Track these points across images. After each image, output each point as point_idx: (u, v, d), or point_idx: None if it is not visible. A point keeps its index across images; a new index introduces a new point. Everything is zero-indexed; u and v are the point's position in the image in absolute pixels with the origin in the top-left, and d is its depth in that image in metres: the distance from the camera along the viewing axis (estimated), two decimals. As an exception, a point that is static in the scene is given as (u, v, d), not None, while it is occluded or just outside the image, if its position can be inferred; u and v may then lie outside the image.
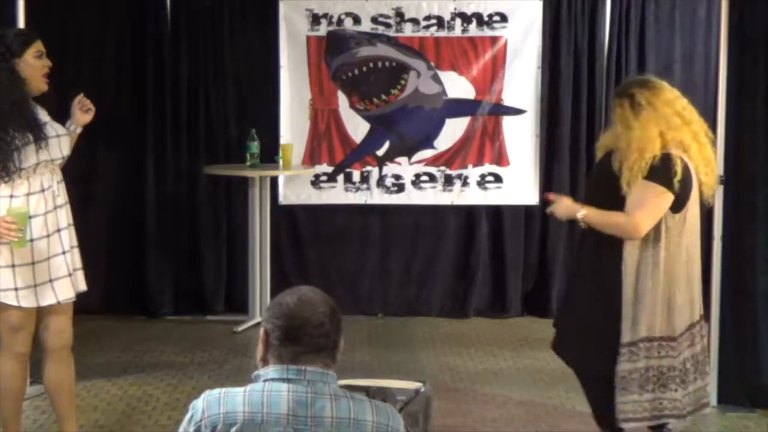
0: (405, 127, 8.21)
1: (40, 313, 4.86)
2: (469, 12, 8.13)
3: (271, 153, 7.86)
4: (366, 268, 8.34)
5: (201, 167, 7.98)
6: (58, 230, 4.82)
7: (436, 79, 8.14)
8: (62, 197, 4.86)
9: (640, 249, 4.53)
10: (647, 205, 4.47)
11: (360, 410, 2.67)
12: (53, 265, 4.79)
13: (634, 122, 4.55)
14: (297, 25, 8.11)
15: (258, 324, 7.67)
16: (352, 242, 8.32)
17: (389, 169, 8.23)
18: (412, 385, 5.00)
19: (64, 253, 4.84)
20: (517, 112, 8.16)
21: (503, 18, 8.11)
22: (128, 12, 8.10)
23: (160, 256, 8.14)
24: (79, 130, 5.07)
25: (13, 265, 4.70)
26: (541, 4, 8.09)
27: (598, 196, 4.64)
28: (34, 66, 4.81)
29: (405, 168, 8.22)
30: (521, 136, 8.16)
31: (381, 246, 8.32)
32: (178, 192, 8.15)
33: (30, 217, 4.70)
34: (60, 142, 4.85)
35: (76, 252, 4.96)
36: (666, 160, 4.50)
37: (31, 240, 4.71)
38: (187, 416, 2.69)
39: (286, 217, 8.28)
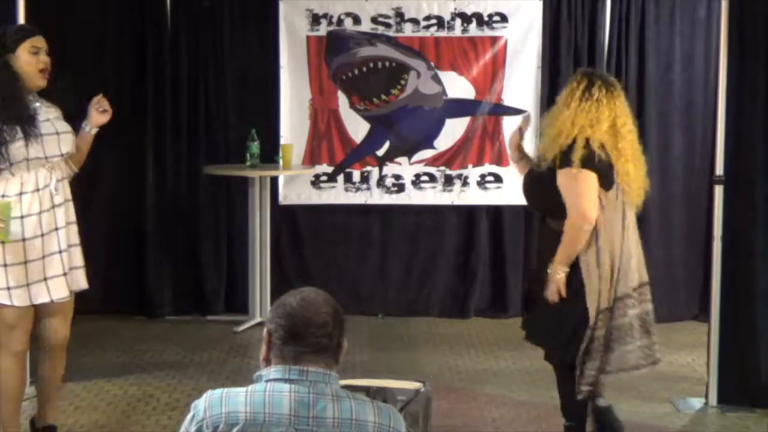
0: (405, 127, 8.21)
1: (37, 312, 4.88)
2: (469, 12, 8.13)
3: (271, 153, 7.87)
4: (366, 268, 8.35)
5: (201, 167, 7.99)
6: (56, 229, 4.82)
7: (436, 79, 8.15)
8: (61, 196, 4.85)
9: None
10: (579, 192, 4.68)
11: (362, 411, 2.67)
12: (48, 264, 4.80)
13: (573, 105, 4.78)
14: (297, 25, 8.12)
15: (258, 324, 7.71)
16: (353, 242, 8.33)
17: (389, 169, 8.23)
18: (412, 385, 5.01)
19: (60, 252, 4.83)
20: (517, 112, 8.13)
21: (503, 18, 8.11)
22: (128, 12, 8.10)
23: (160, 256, 8.15)
24: (94, 131, 5.10)
25: (5, 265, 4.71)
26: (541, 4, 8.10)
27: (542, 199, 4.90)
28: (28, 62, 4.81)
29: (405, 168, 8.22)
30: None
31: (381, 246, 8.33)
32: (178, 192, 8.15)
33: (22, 217, 4.71)
34: (60, 139, 4.84)
35: (76, 250, 4.97)
36: (573, 145, 4.71)
37: (24, 239, 4.72)
38: (189, 416, 2.69)
39: (287, 217, 8.28)
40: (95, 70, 8.07)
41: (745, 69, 5.94)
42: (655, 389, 6.40)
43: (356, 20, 8.13)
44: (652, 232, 8.11)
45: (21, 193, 4.72)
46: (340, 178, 8.23)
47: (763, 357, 6.00)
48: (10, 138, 4.66)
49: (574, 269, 4.76)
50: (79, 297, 7.69)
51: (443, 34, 8.14)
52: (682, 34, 8.12)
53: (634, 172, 4.85)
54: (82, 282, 5.01)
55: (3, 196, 4.69)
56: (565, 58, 8.15)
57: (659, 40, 8.11)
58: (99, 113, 5.08)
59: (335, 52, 8.14)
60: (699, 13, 8.11)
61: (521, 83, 8.13)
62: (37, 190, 4.76)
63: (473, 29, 8.13)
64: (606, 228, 4.74)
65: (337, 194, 8.23)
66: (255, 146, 7.70)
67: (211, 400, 2.67)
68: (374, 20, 8.13)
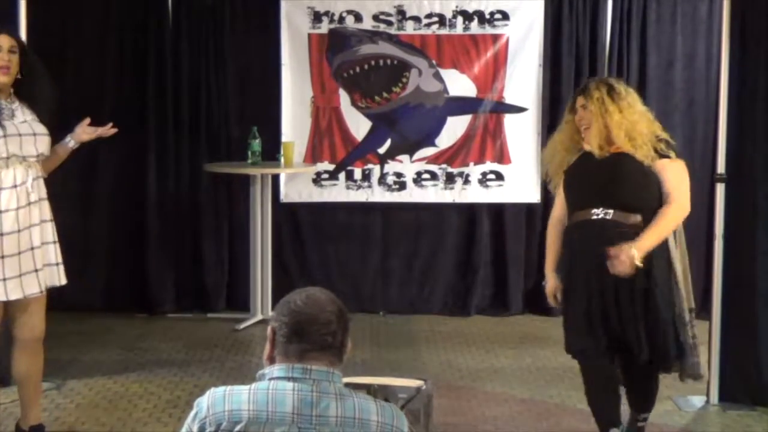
0: (406, 125, 8.21)
1: (10, 307, 4.94)
2: (470, 10, 8.13)
3: (272, 151, 7.87)
4: (367, 266, 8.35)
5: (203, 165, 7.99)
6: (30, 226, 4.88)
7: (438, 77, 8.15)
8: (37, 193, 4.92)
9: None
10: (687, 181, 4.82)
11: (365, 410, 2.68)
12: (23, 260, 4.86)
13: (618, 106, 4.82)
14: (298, 22, 8.12)
15: (259, 322, 7.73)
16: (354, 240, 8.33)
17: (391, 167, 8.23)
18: (413, 382, 5.02)
19: (32, 248, 4.90)
20: (519, 110, 8.17)
21: (505, 16, 8.12)
22: (130, 10, 8.10)
23: (162, 253, 8.15)
24: (75, 146, 5.19)
25: None
26: (542, 2, 8.10)
27: (641, 195, 4.78)
28: None
29: (406, 166, 8.22)
30: (523, 134, 8.17)
31: (382, 244, 8.33)
32: (179, 190, 8.16)
33: (0, 212, 4.75)
34: (36, 140, 4.91)
35: (52, 247, 5.03)
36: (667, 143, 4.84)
37: (2, 234, 4.77)
38: (192, 413, 2.70)
39: (288, 215, 8.29)
40: (97, 68, 8.08)
41: (746, 67, 5.94)
42: (656, 387, 6.40)
43: (358, 18, 8.13)
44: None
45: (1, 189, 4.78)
46: (342, 175, 8.23)
47: (764, 355, 6.00)
48: None
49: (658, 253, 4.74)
50: (81, 294, 7.75)
51: (445, 32, 8.14)
52: (684, 33, 8.12)
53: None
54: (56, 278, 5.07)
55: None
56: (567, 57, 8.15)
57: (660, 39, 8.12)
58: (85, 132, 5.18)
59: (337, 49, 8.14)
60: (700, 12, 8.11)
61: (523, 81, 8.13)
62: (15, 186, 4.82)
63: (475, 27, 8.13)
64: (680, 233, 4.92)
65: (338, 192, 8.24)
66: (256, 144, 7.71)
67: (215, 398, 2.67)
68: (376, 18, 8.14)
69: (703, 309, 7.74)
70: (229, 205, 8.24)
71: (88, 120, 5.24)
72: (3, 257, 4.80)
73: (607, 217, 4.75)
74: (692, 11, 8.11)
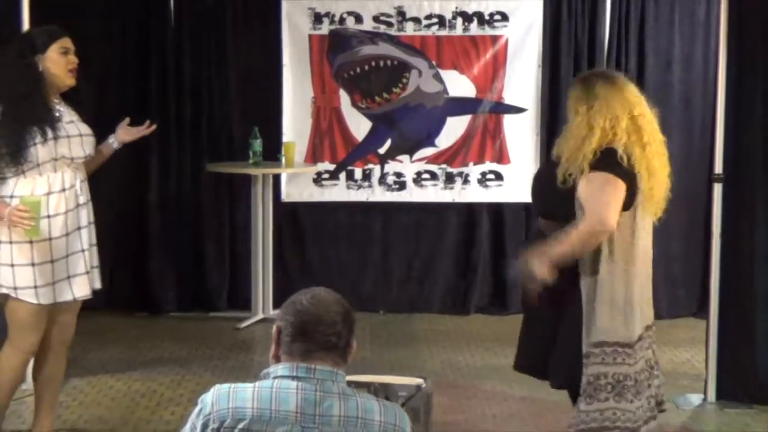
0: (406, 126, 8.21)
1: (52, 311, 4.89)
2: (470, 11, 8.13)
3: (273, 151, 7.87)
4: (368, 265, 8.35)
5: (204, 165, 7.99)
6: (79, 228, 4.87)
7: (438, 78, 8.14)
8: (84, 196, 4.92)
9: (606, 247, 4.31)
10: (605, 196, 4.24)
11: (368, 410, 2.67)
12: (71, 263, 4.84)
13: (582, 109, 4.36)
14: (299, 23, 8.12)
15: (261, 321, 7.73)
16: (354, 239, 8.33)
17: (391, 167, 8.23)
18: (413, 381, 5.01)
19: (83, 250, 4.89)
20: (518, 110, 8.16)
21: (504, 17, 8.11)
22: (132, 11, 8.10)
23: (164, 253, 8.14)
24: (117, 146, 5.18)
25: (32, 264, 4.73)
26: (541, 3, 8.10)
27: (560, 204, 4.37)
28: (57, 62, 4.84)
29: (406, 166, 8.22)
30: (522, 134, 8.17)
31: (383, 243, 8.33)
32: (181, 190, 8.16)
33: (50, 216, 4.73)
34: (83, 141, 4.89)
35: (95, 250, 5.03)
36: (612, 151, 4.28)
37: (50, 238, 4.76)
38: (196, 409, 2.69)
39: (289, 215, 8.28)
40: (99, 68, 8.05)
41: (743, 68, 5.95)
42: (654, 386, 6.40)
43: (358, 19, 8.13)
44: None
45: (49, 193, 4.75)
46: (342, 175, 8.23)
47: (761, 354, 6.00)
48: (38, 139, 4.68)
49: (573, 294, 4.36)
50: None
51: (444, 33, 8.14)
52: (682, 34, 8.12)
53: (660, 172, 4.46)
54: (97, 282, 5.06)
55: (31, 195, 4.70)
56: (566, 57, 8.15)
57: (659, 40, 8.11)
58: (126, 133, 5.19)
59: (337, 50, 8.14)
60: (698, 13, 8.11)
61: (522, 82, 8.13)
62: (64, 190, 4.80)
63: (474, 28, 8.13)
64: (619, 252, 4.34)
65: (339, 192, 8.23)
66: (258, 144, 7.70)
67: (219, 395, 2.67)
68: (376, 19, 8.13)
69: (701, 308, 7.79)
70: (230, 204, 8.23)
71: (127, 120, 5.23)
72: (53, 261, 4.78)
73: (540, 226, 4.58)
74: (690, 13, 8.11)
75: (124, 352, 7.09)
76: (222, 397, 2.67)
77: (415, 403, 4.84)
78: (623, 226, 4.32)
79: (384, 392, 4.83)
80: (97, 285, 5.05)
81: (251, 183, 7.86)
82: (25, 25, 6.09)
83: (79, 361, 6.81)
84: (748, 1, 5.93)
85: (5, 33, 5.03)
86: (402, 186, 8.23)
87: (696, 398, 6.13)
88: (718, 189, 6.02)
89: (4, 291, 4.76)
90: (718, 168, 6.02)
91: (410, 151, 8.23)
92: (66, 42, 4.92)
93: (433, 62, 8.15)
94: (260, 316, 7.81)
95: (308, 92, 8.16)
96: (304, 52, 8.13)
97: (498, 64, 8.13)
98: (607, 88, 4.39)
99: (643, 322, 4.45)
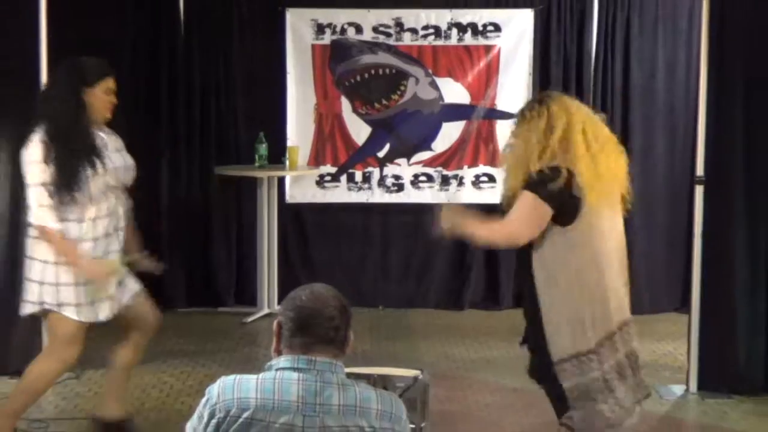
0: (404, 130, 8.22)
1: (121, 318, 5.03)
2: (464, 22, 8.15)
3: (278, 155, 7.88)
4: (367, 263, 8.36)
5: (213, 168, 8.00)
6: (114, 251, 4.94)
7: (434, 85, 8.16)
8: (123, 221, 4.99)
9: (543, 269, 4.25)
10: (522, 213, 4.20)
11: (366, 398, 2.68)
12: (108, 284, 4.90)
13: (522, 132, 4.28)
14: (303, 34, 8.13)
15: (266, 315, 7.74)
16: (355, 239, 8.34)
17: (389, 169, 8.25)
18: (410, 372, 5.01)
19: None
20: (510, 116, 8.07)
21: (497, 28, 8.13)
22: (144, 22, 8.10)
23: (174, 252, 8.14)
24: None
25: (76, 283, 4.77)
26: (532, 15, 8.11)
27: None
28: (102, 99, 4.90)
29: (404, 169, 8.23)
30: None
31: (382, 242, 8.34)
32: (191, 192, 8.17)
33: (96, 239, 4.79)
34: (127, 171, 4.98)
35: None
36: (545, 172, 4.16)
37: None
38: (204, 399, 2.71)
39: (293, 215, 8.30)
40: (113, 78, 8.07)
41: (723, 76, 5.96)
42: (639, 377, 6.41)
43: (358, 29, 8.14)
44: (636, 229, 8.12)
45: (95, 218, 4.80)
46: (343, 178, 8.24)
47: (740, 347, 6.01)
48: (89, 171, 4.72)
49: (528, 284, 4.33)
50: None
51: (440, 42, 8.15)
52: (665, 44, 8.14)
53: (618, 170, 4.29)
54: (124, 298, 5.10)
55: (79, 220, 4.75)
56: (555, 66, 8.16)
57: (643, 49, 8.13)
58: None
59: (339, 59, 8.15)
60: (681, 24, 8.12)
61: (514, 89, 8.14)
62: (109, 215, 4.87)
63: (468, 38, 8.14)
64: (566, 274, 4.22)
65: (340, 193, 8.25)
66: (263, 148, 7.73)
67: (224, 386, 2.68)
68: (375, 29, 8.15)
69: (683, 303, 7.81)
70: (237, 205, 8.25)
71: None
72: (95, 281, 4.82)
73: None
74: (673, 24, 8.12)
75: (136, 345, 7.09)
76: (227, 388, 2.68)
77: (412, 394, 4.85)
78: (561, 244, 4.21)
79: (383, 383, 4.84)
80: (125, 301, 5.07)
81: (257, 185, 7.87)
82: (43, 38, 6.08)
83: (95, 355, 6.81)
84: (728, 12, 5.95)
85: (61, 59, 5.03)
86: (400, 188, 8.25)
87: (678, 389, 6.15)
88: (699, 191, 6.04)
89: (47, 307, 4.80)
90: (700, 171, 6.04)
91: (408, 155, 8.25)
92: (111, 83, 5.00)
93: (430, 70, 8.16)
94: (266, 311, 7.82)
95: (311, 99, 8.17)
96: (308, 60, 8.15)
97: (491, 72, 8.15)
98: (536, 107, 4.29)
99: (604, 326, 4.26)
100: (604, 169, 4.21)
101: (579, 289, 4.21)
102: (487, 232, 4.43)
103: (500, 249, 4.51)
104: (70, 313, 4.79)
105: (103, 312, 4.89)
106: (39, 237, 4.76)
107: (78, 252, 4.72)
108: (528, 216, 4.21)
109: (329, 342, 2.71)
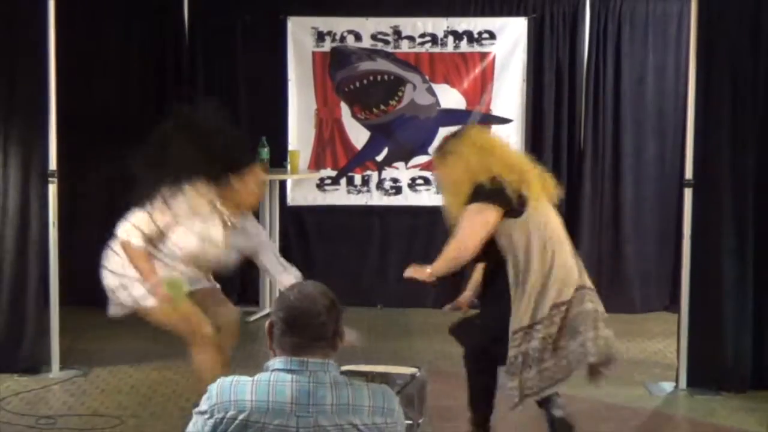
0: (402, 135, 8.21)
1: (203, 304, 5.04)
2: (460, 30, 8.13)
3: (280, 159, 7.86)
4: (367, 264, 8.34)
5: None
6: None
7: (431, 91, 8.14)
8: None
9: (510, 259, 4.63)
10: (468, 224, 4.60)
11: (358, 396, 2.66)
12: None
13: (444, 168, 4.75)
14: (303, 41, 8.12)
15: (268, 314, 7.70)
16: (354, 240, 8.33)
17: (388, 173, 8.23)
18: (408, 370, 5.01)
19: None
20: (505, 121, 8.16)
21: (491, 35, 8.11)
22: (149, 31, 8.09)
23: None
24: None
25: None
26: (526, 22, 8.10)
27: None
28: (251, 191, 5.04)
29: (402, 172, 8.22)
30: (508, 142, 8.14)
31: (380, 243, 8.33)
32: (195, 194, 8.14)
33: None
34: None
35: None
36: (478, 186, 4.59)
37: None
38: (204, 397, 2.69)
39: (294, 218, 8.28)
40: (119, 84, 8.07)
41: (711, 81, 5.95)
42: (630, 374, 6.39)
43: (357, 37, 8.13)
44: (626, 230, 8.13)
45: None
46: (343, 181, 8.23)
47: (728, 345, 5.99)
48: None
49: (499, 279, 4.71)
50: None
51: (437, 50, 8.14)
52: (655, 49, 8.12)
53: (536, 175, 4.73)
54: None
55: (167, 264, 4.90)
56: (548, 72, 8.15)
57: (634, 55, 8.11)
58: None
59: (338, 66, 8.14)
60: (670, 31, 8.11)
61: (508, 95, 8.13)
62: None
63: (464, 45, 8.13)
64: (523, 252, 4.62)
65: (340, 196, 8.23)
66: (265, 152, 7.70)
67: (222, 388, 2.66)
68: (374, 37, 8.13)
69: (673, 302, 7.80)
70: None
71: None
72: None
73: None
74: (662, 30, 8.11)
75: (142, 343, 7.06)
76: (224, 389, 2.66)
77: (410, 390, 4.84)
78: (519, 232, 4.61)
79: (381, 381, 4.83)
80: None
81: (259, 188, 7.85)
82: (52, 49, 6.04)
83: (102, 353, 6.81)
84: (716, 18, 5.93)
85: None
86: (398, 191, 8.23)
87: (668, 386, 6.13)
88: (688, 193, 6.02)
89: (129, 308, 4.95)
90: (689, 174, 6.03)
91: (405, 159, 8.23)
92: (262, 174, 5.14)
93: (427, 77, 8.15)
94: (267, 310, 7.80)
95: (312, 104, 8.16)
96: (308, 67, 8.13)
97: (486, 78, 8.14)
98: (452, 141, 4.80)
99: (544, 306, 4.59)
100: (532, 176, 4.68)
101: (539, 265, 4.58)
102: (441, 261, 4.77)
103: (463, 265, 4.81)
104: (149, 302, 4.89)
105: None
106: (120, 250, 4.86)
107: (152, 270, 4.82)
108: (470, 226, 4.61)
109: (319, 339, 2.68)
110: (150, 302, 4.88)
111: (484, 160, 4.66)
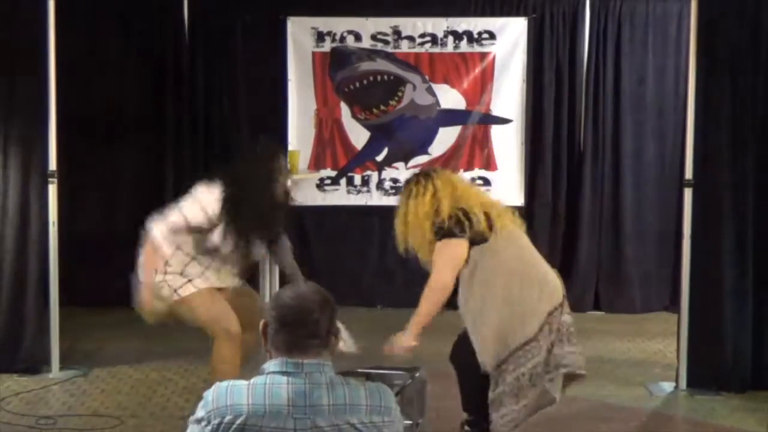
0: (402, 135, 8.21)
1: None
2: (460, 30, 8.13)
3: (279, 159, 7.86)
4: (366, 264, 8.34)
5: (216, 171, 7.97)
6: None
7: (430, 91, 8.14)
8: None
9: (465, 287, 4.76)
10: (441, 261, 4.71)
11: (355, 395, 2.65)
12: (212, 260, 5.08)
13: (408, 208, 4.76)
14: (303, 42, 8.12)
15: (268, 315, 7.71)
16: (354, 240, 8.33)
17: (388, 173, 8.23)
18: (408, 370, 5.01)
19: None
20: (504, 121, 8.16)
21: (491, 36, 8.11)
22: (150, 32, 8.09)
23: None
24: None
25: (181, 273, 5.00)
26: (526, 23, 8.10)
27: None
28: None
29: (402, 172, 8.20)
30: (508, 143, 8.16)
31: (380, 243, 8.31)
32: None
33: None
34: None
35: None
36: (440, 223, 4.65)
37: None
38: (200, 404, 2.68)
39: (294, 217, 8.27)
40: (120, 84, 8.08)
41: (711, 82, 5.94)
42: (630, 374, 6.40)
43: (357, 37, 8.13)
44: (626, 231, 8.13)
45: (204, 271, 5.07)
46: (343, 181, 8.23)
47: (728, 345, 5.99)
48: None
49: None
50: (105, 290, 7.78)
51: (437, 50, 8.14)
52: (654, 50, 8.12)
53: (499, 210, 4.80)
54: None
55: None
56: (548, 72, 8.15)
57: (633, 56, 8.11)
58: None
59: (338, 66, 8.14)
60: (670, 31, 8.11)
61: (508, 95, 8.12)
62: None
63: (464, 46, 8.13)
64: (489, 282, 4.69)
65: (340, 196, 8.23)
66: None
67: (218, 393, 2.65)
68: (374, 37, 8.13)
69: (673, 302, 7.79)
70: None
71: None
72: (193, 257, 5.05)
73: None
74: (662, 31, 8.11)
75: (141, 344, 7.07)
76: (221, 394, 2.65)
77: (410, 390, 4.84)
78: (486, 255, 4.67)
79: (381, 381, 4.83)
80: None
81: (259, 188, 7.85)
82: (52, 50, 6.04)
83: (101, 353, 6.81)
84: (715, 18, 5.93)
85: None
86: (398, 191, 8.15)
87: (668, 386, 6.13)
88: (688, 193, 6.02)
89: (175, 297, 5.01)
90: (689, 174, 6.02)
91: (405, 159, 8.23)
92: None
93: (427, 77, 8.15)
94: (267, 310, 7.79)
95: (311, 105, 8.16)
96: (308, 67, 8.13)
97: (486, 78, 8.13)
98: (422, 182, 4.79)
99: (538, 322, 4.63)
100: (495, 213, 4.75)
101: (514, 285, 4.64)
102: (425, 305, 4.85)
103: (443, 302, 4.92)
104: (189, 290, 4.99)
105: (215, 278, 5.06)
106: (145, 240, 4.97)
107: (156, 266, 4.94)
108: (447, 260, 4.71)
109: (312, 337, 2.66)
110: (187, 292, 5.00)
111: (435, 201, 4.73)
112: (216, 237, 4.97)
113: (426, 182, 4.76)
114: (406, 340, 4.81)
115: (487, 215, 4.67)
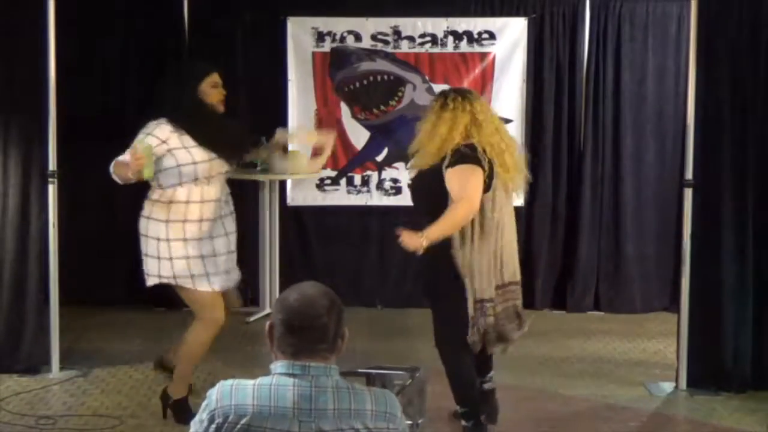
0: (402, 135, 8.18)
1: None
2: (460, 30, 8.13)
3: (280, 159, 7.86)
4: (366, 264, 8.34)
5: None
6: (225, 234, 5.30)
7: (431, 92, 8.13)
8: (228, 208, 5.36)
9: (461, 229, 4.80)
10: (470, 183, 4.75)
11: (360, 401, 2.63)
12: (218, 262, 5.26)
13: (441, 118, 4.87)
14: (303, 42, 8.12)
15: (268, 315, 7.68)
16: (354, 240, 8.32)
17: (388, 173, 8.23)
18: (408, 370, 5.02)
19: (229, 253, 5.34)
20: (505, 121, 8.09)
21: (491, 36, 8.11)
22: (150, 32, 8.09)
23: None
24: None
25: (187, 257, 5.14)
26: (526, 23, 8.10)
27: (427, 200, 4.95)
28: (208, 94, 5.37)
29: (402, 172, 8.20)
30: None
31: (380, 244, 8.31)
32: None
33: (201, 221, 5.18)
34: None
35: (234, 256, 5.43)
36: (469, 146, 4.80)
37: (201, 239, 5.20)
38: (204, 404, 2.66)
39: (294, 218, 8.28)
40: (120, 84, 8.08)
41: (711, 82, 5.94)
42: (630, 374, 6.41)
43: (357, 37, 8.12)
44: (626, 231, 8.13)
45: (202, 201, 5.18)
46: (343, 181, 8.22)
47: (728, 345, 6.00)
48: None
49: (449, 263, 4.86)
50: (105, 290, 7.79)
51: (437, 50, 8.14)
52: (655, 50, 8.12)
53: (511, 160, 4.96)
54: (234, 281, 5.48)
55: (188, 201, 5.13)
56: (548, 72, 8.15)
57: (634, 56, 8.11)
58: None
59: (338, 66, 8.14)
60: (670, 31, 8.10)
61: (508, 95, 8.12)
62: (218, 200, 5.25)
63: (464, 46, 8.13)
64: (485, 228, 4.86)
65: (339, 196, 8.23)
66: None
67: (222, 392, 2.63)
68: (374, 37, 8.13)
69: (673, 302, 7.79)
70: (239, 208, 8.12)
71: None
72: (203, 257, 5.21)
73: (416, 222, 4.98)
74: (662, 31, 8.10)
75: (142, 344, 7.08)
76: (225, 393, 2.63)
77: (410, 390, 4.85)
78: (484, 205, 4.83)
79: (381, 381, 4.84)
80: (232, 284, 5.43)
81: (259, 188, 7.85)
82: (51, 48, 6.05)
83: (101, 353, 6.81)
84: (715, 19, 5.93)
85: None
86: (398, 191, 8.23)
87: (668, 386, 6.13)
88: (688, 194, 6.02)
89: (165, 281, 5.21)
90: (689, 174, 6.02)
91: (405, 159, 8.16)
92: (215, 77, 5.41)
93: (427, 77, 8.15)
94: (268, 310, 7.79)
95: (311, 105, 8.16)
96: (308, 68, 8.13)
97: (486, 78, 8.13)
98: (457, 98, 4.93)
99: (495, 281, 4.94)
100: (507, 157, 4.93)
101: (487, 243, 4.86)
102: (448, 222, 4.76)
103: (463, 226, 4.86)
104: (187, 284, 5.19)
105: (218, 283, 5.24)
106: (154, 213, 5.13)
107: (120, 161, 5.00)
108: (472, 181, 4.75)
109: (320, 342, 2.64)
110: (185, 282, 5.18)
111: (472, 130, 4.87)
112: (182, 155, 5.11)
113: (464, 102, 4.90)
114: (419, 239, 4.76)
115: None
